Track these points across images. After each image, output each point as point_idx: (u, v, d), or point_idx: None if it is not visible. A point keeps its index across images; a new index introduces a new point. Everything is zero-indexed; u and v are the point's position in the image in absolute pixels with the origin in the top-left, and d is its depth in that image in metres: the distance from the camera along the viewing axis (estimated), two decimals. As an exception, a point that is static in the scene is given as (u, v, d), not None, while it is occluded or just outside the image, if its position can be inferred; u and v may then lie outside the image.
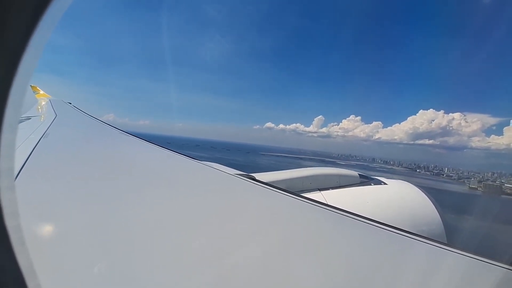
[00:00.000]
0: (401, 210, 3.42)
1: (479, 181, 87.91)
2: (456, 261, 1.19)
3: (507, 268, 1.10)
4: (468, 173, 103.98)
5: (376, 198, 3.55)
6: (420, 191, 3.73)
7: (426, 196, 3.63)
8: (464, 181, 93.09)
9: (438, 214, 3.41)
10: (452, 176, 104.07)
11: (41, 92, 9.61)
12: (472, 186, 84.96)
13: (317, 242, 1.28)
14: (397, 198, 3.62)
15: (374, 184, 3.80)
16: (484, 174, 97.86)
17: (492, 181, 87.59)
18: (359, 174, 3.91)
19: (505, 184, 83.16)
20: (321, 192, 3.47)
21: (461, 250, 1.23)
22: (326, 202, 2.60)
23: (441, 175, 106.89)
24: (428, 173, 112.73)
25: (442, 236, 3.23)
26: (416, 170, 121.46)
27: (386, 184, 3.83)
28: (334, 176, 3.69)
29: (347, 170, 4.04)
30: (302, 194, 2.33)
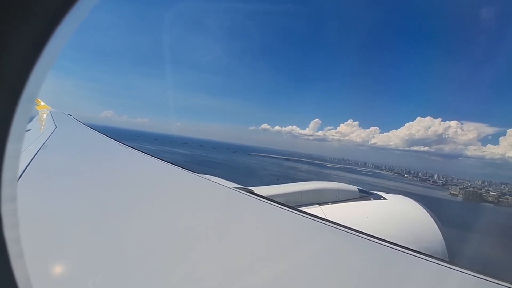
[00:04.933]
0: (401, 225, 3.31)
1: (461, 188, 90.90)
2: (457, 279, 1.17)
3: (507, 286, 1.08)
4: (458, 180, 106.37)
5: (376, 213, 3.45)
6: (420, 206, 3.64)
7: (427, 212, 3.54)
8: (448, 188, 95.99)
9: (439, 230, 3.33)
10: (438, 182, 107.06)
11: (42, 103, 9.57)
12: (453, 193, 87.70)
13: (316, 258, 1.28)
14: (397, 213, 3.52)
15: (374, 199, 3.69)
16: (474, 182, 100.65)
17: (477, 189, 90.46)
18: (358, 188, 3.81)
19: (490, 192, 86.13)
20: (320, 206, 3.34)
21: (462, 268, 1.21)
22: (325, 217, 2.48)
23: (427, 181, 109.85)
24: (415, 178, 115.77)
25: (442, 253, 3.14)
26: (404, 176, 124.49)
27: (386, 199, 3.72)
28: (333, 191, 3.58)
29: (346, 184, 3.92)
30: (301, 209, 2.23)
